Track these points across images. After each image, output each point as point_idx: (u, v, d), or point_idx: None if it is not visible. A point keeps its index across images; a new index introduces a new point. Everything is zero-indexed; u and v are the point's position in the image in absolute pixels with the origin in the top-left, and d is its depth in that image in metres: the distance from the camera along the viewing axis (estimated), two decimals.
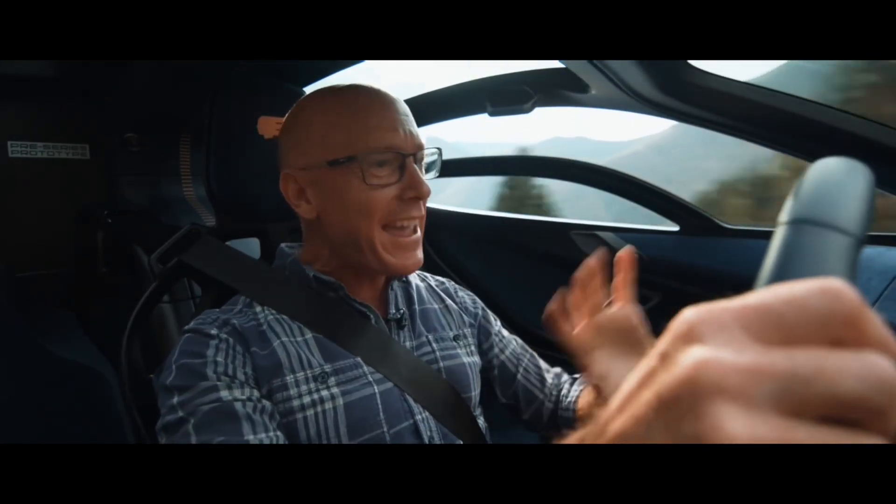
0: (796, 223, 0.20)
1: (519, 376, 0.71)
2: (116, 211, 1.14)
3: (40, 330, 1.11)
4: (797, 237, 0.20)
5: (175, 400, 0.50)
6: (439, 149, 0.63)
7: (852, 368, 0.15)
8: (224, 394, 0.50)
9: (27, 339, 1.07)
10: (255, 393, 0.52)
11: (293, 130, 0.60)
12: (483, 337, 0.72)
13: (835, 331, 0.15)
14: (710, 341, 0.16)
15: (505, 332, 0.75)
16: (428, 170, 0.63)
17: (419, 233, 0.61)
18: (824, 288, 0.16)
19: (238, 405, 0.49)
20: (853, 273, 0.20)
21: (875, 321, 0.16)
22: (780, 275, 0.20)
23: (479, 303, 0.75)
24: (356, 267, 0.61)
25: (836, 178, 0.22)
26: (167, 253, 0.70)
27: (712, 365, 0.15)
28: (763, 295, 0.16)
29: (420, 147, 0.59)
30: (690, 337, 0.16)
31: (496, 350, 0.72)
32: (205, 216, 1.26)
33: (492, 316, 0.75)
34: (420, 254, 0.60)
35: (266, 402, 0.52)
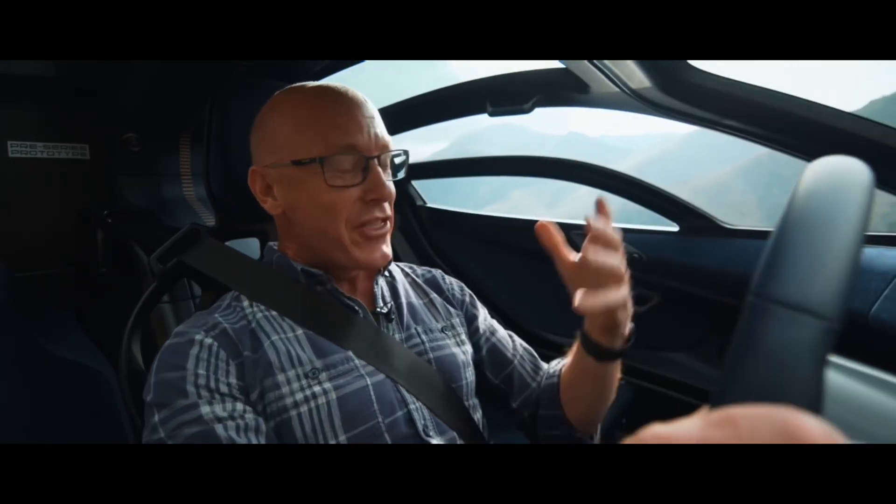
0: (763, 302, 0.20)
1: (515, 362, 0.72)
2: (116, 211, 1.14)
3: (40, 329, 1.11)
4: (763, 319, 0.19)
5: (156, 418, 0.49)
6: (405, 151, 0.63)
7: None
8: (205, 410, 0.49)
9: (27, 338, 1.07)
10: (239, 406, 0.51)
11: (262, 128, 0.61)
12: (468, 321, 0.73)
13: None
14: None
15: (492, 320, 0.76)
16: (396, 172, 0.63)
17: (388, 227, 0.61)
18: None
19: (219, 428, 0.48)
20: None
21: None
22: (747, 358, 0.20)
23: (467, 289, 0.76)
24: (326, 260, 0.62)
25: (841, 162, 0.21)
26: (167, 253, 0.70)
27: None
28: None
29: (385, 149, 0.59)
30: None
31: (485, 334, 0.72)
32: (205, 216, 1.26)
33: (479, 303, 0.76)
34: (387, 248, 0.61)
35: (249, 417, 0.51)
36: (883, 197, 0.69)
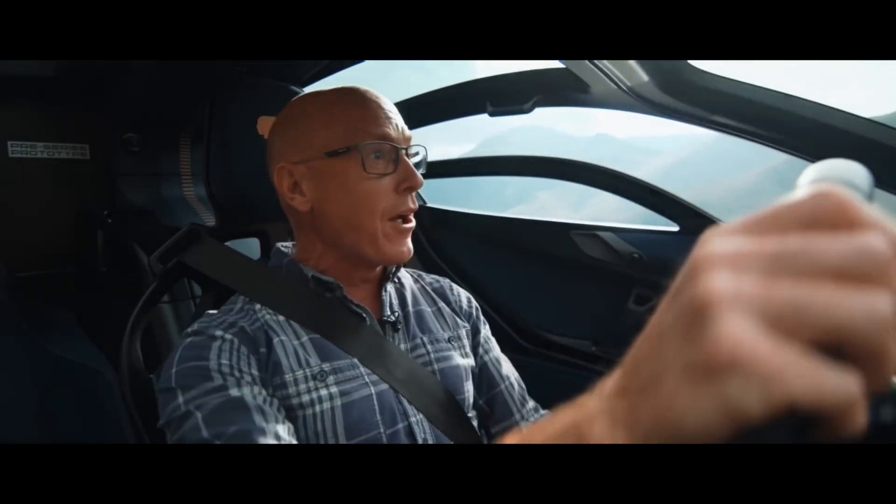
0: (807, 183, 0.21)
1: (503, 387, 0.70)
2: (116, 211, 1.14)
3: (40, 329, 1.11)
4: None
5: (180, 399, 0.49)
6: (424, 146, 0.65)
7: (840, 243, 0.16)
8: (234, 392, 0.49)
9: (27, 338, 1.07)
10: (264, 392, 0.52)
11: (288, 127, 0.62)
12: (472, 334, 0.73)
13: (827, 220, 0.17)
14: (714, 241, 0.18)
15: (493, 339, 0.75)
16: (417, 166, 0.64)
17: (413, 223, 0.62)
18: (816, 190, 0.17)
19: (248, 398, 0.49)
20: None
21: (868, 210, 0.17)
22: None
23: (474, 302, 0.76)
24: (351, 259, 0.61)
25: (841, 163, 0.23)
26: (167, 253, 0.70)
27: (710, 248, 0.17)
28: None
29: (410, 142, 0.62)
30: (700, 246, 0.18)
31: (481, 350, 0.72)
32: (205, 216, 1.26)
33: (483, 320, 0.75)
34: (410, 243, 0.62)
35: (275, 399, 0.52)
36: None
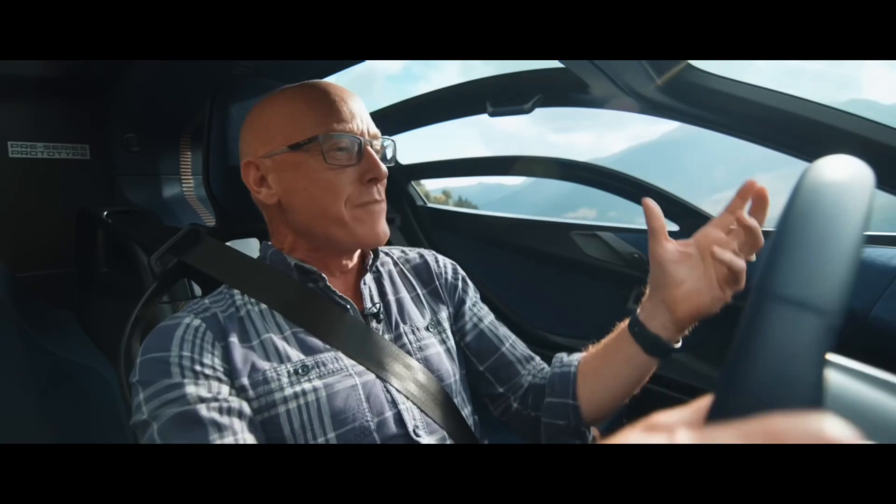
0: (766, 298, 0.20)
1: (505, 347, 0.71)
2: (116, 211, 1.14)
3: (40, 329, 1.11)
4: (767, 315, 0.20)
5: (140, 396, 0.50)
6: (393, 140, 0.67)
7: None
8: (190, 390, 0.50)
9: (27, 338, 1.07)
10: (224, 388, 0.52)
11: (255, 122, 0.63)
12: (457, 306, 0.73)
13: None
14: None
15: (485, 306, 0.75)
16: (384, 160, 0.65)
17: (384, 206, 0.63)
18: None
19: (202, 408, 0.49)
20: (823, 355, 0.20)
21: None
22: (750, 354, 0.20)
23: (461, 272, 0.76)
24: (326, 247, 0.63)
25: (843, 162, 0.22)
26: (167, 253, 0.70)
27: None
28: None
29: (376, 136, 0.62)
30: None
31: (472, 320, 0.72)
32: (205, 216, 1.26)
33: (472, 288, 0.75)
34: (385, 225, 0.62)
35: (233, 399, 0.51)
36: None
